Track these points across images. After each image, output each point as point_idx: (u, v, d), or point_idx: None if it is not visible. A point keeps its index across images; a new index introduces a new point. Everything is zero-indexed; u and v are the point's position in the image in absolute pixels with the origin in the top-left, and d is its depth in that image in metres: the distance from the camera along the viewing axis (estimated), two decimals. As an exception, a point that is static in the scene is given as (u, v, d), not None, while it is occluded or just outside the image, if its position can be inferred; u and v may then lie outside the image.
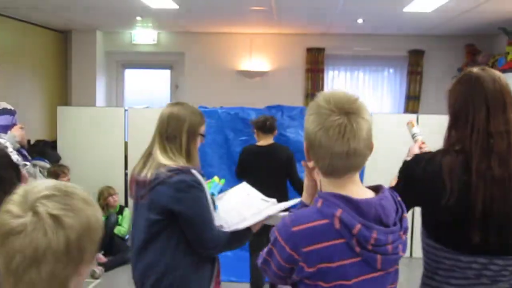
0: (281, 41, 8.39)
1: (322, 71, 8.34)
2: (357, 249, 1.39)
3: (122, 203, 6.29)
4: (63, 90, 8.52)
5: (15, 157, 2.14)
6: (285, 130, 5.98)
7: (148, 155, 2.38)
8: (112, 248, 5.69)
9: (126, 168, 6.39)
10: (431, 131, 6.07)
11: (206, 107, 6.17)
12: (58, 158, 6.35)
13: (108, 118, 6.54)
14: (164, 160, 2.28)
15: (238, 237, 2.36)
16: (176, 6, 6.02)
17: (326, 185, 1.50)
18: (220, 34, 8.38)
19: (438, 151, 1.81)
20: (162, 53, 8.63)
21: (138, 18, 7.09)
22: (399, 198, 1.54)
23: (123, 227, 5.97)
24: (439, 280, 1.82)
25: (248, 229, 2.39)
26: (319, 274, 1.40)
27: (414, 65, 8.21)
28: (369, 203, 1.43)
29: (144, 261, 2.31)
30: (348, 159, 1.43)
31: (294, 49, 8.37)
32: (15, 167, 2.15)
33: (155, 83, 9.08)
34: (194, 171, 2.29)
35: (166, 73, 8.89)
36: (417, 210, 5.37)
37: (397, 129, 5.51)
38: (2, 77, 6.56)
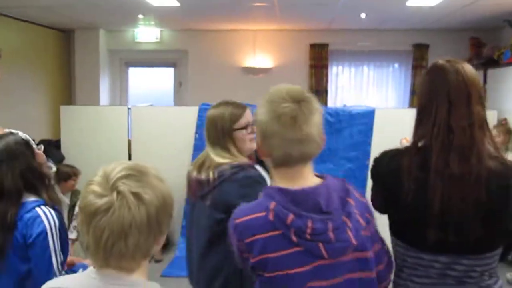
0: (284, 37, 8.35)
1: (326, 67, 8.29)
2: (294, 239, 1.43)
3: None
4: (67, 89, 8.53)
5: (23, 135, 2.31)
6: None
7: (204, 158, 2.36)
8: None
9: (130, 166, 6.36)
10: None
11: (208, 104, 6.14)
12: (62, 158, 6.33)
13: (111, 117, 6.51)
14: (221, 159, 2.27)
15: None
16: (177, 4, 6.00)
17: (277, 178, 1.56)
18: (223, 31, 8.34)
19: (404, 148, 1.78)
20: (165, 51, 8.61)
21: (140, 16, 7.08)
22: (347, 186, 1.56)
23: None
24: (404, 277, 1.79)
25: None
26: (262, 264, 1.45)
27: (418, 59, 8.14)
28: (305, 193, 1.47)
29: (211, 263, 2.27)
30: (302, 145, 1.47)
31: (297, 45, 8.32)
32: (25, 142, 2.27)
33: (159, 81, 9.07)
34: (257, 166, 2.26)
35: (170, 71, 8.87)
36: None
37: (402, 124, 5.49)
38: (6, 77, 6.56)
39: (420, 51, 8.14)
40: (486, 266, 1.69)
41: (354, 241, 1.46)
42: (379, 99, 8.41)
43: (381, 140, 5.78)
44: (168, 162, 6.10)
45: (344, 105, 7.17)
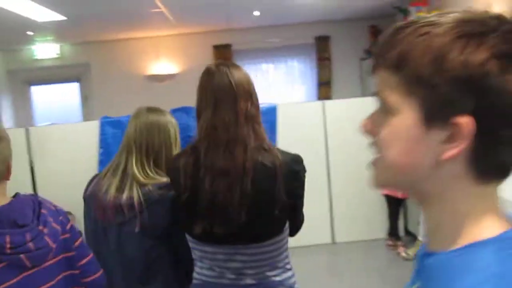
0: (187, 41, 8.28)
1: (231, 67, 8.26)
2: None
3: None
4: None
5: None
6: (192, 131, 5.84)
7: (122, 173, 2.08)
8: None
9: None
10: (340, 116, 6.07)
11: (109, 117, 5.98)
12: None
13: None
14: (143, 178, 2.03)
15: None
16: (63, 17, 5.81)
17: None
18: (124, 40, 8.18)
19: (186, 148, 1.87)
20: (67, 66, 8.36)
21: (30, 33, 6.81)
22: (39, 199, 1.74)
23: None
24: (197, 271, 1.88)
25: None
26: None
27: (321, 52, 8.28)
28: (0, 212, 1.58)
29: None
30: None
31: (201, 47, 8.28)
32: None
33: (65, 97, 8.78)
34: None
35: (75, 85, 8.62)
36: (338, 196, 5.34)
37: (306, 117, 5.57)
38: None
39: (322, 43, 8.28)
40: (265, 255, 1.78)
41: (53, 245, 1.64)
42: (289, 94, 8.48)
43: (287, 134, 5.82)
44: (74, 180, 5.87)
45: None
